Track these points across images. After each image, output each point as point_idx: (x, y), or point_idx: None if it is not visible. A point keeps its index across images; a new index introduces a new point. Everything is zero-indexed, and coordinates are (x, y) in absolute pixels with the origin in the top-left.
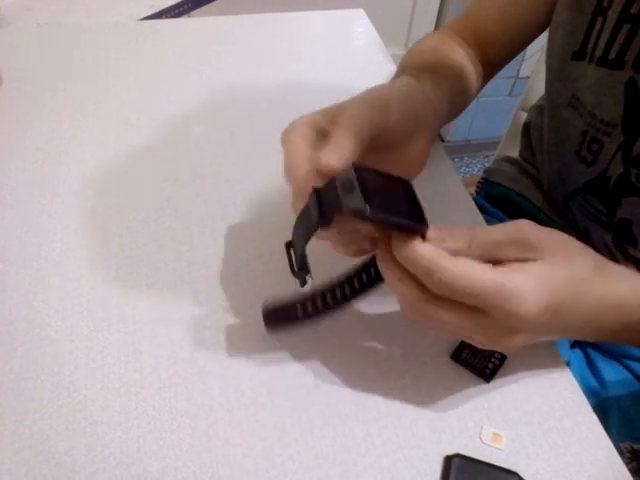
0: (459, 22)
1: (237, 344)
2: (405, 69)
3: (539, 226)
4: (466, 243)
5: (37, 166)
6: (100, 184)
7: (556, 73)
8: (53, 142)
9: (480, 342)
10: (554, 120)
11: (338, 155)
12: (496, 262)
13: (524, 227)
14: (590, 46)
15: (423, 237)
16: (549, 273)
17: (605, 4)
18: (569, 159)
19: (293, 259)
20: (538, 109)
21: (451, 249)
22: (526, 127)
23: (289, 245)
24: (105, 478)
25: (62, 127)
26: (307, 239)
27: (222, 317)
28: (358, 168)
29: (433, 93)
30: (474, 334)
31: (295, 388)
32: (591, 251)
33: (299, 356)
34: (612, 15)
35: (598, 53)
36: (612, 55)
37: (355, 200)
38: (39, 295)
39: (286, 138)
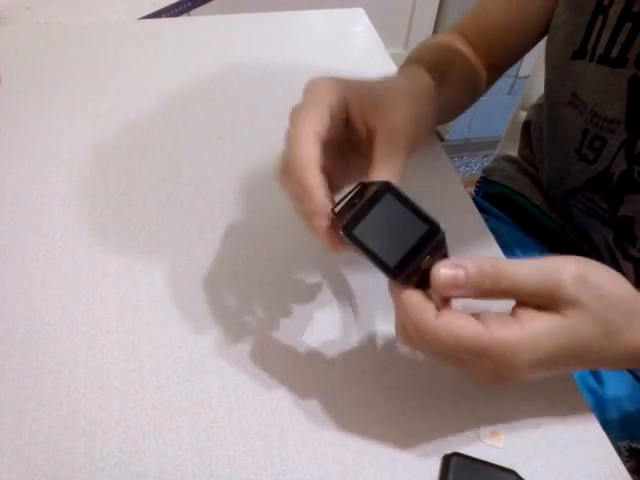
0: (464, 24)
1: (236, 343)
2: (417, 60)
3: (583, 277)
4: (483, 290)
5: (36, 164)
6: (99, 183)
7: (556, 72)
8: (53, 140)
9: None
10: (554, 119)
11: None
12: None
13: (565, 285)
14: (590, 45)
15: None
16: (557, 332)
17: (606, 3)
18: (569, 157)
19: None
20: (538, 108)
21: (461, 294)
22: (526, 126)
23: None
24: (104, 477)
25: (62, 126)
26: None
27: (221, 316)
28: (387, 188)
29: (438, 95)
30: (465, 373)
31: (294, 388)
32: (630, 299)
33: (298, 355)
34: (613, 14)
35: (599, 51)
36: (614, 53)
37: (348, 215)
38: (38, 294)
39: (294, 129)
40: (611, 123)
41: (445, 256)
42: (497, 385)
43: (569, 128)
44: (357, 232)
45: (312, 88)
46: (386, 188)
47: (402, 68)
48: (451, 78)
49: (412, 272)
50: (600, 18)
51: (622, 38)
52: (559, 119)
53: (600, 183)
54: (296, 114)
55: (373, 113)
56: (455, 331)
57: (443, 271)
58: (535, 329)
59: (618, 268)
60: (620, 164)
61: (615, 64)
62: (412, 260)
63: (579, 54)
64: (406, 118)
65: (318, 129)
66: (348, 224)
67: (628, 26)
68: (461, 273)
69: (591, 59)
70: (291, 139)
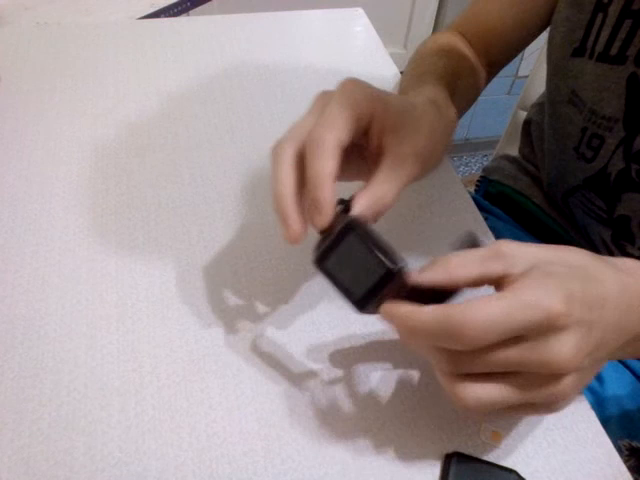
0: (462, 22)
1: (236, 343)
2: (433, 72)
3: (515, 242)
4: (446, 271)
5: (36, 165)
6: (99, 183)
7: (556, 70)
8: (52, 141)
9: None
10: (553, 117)
11: (369, 205)
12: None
13: (501, 242)
14: (590, 42)
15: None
16: (549, 269)
17: (605, 1)
18: (568, 156)
19: None
20: (539, 107)
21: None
22: (527, 124)
23: None
24: (104, 477)
25: (61, 126)
26: None
27: (221, 316)
28: (353, 226)
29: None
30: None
31: (294, 387)
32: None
33: (298, 355)
34: (613, 12)
35: (599, 49)
36: (613, 51)
37: (321, 246)
38: (38, 294)
39: (321, 129)
40: (609, 121)
41: (406, 288)
42: (556, 391)
43: (569, 126)
44: (327, 265)
45: (348, 89)
46: (351, 226)
47: (426, 83)
48: (460, 89)
49: (376, 305)
50: (600, 16)
51: (622, 35)
52: (559, 117)
53: (598, 182)
54: (327, 110)
55: (391, 135)
56: (489, 310)
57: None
58: (537, 276)
59: None
60: (618, 163)
61: (614, 61)
62: (374, 296)
63: (579, 52)
64: (418, 153)
65: (343, 137)
66: (319, 257)
67: (628, 23)
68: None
69: (590, 57)
70: (316, 141)
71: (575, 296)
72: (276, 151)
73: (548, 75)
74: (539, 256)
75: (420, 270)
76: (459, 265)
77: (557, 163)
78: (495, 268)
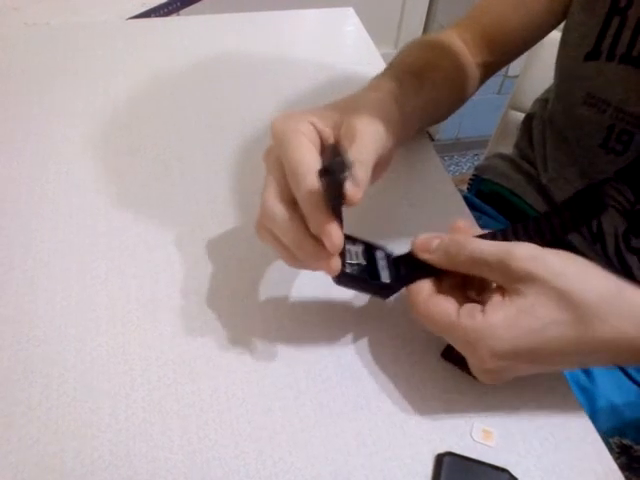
0: (464, 21)
1: (227, 345)
2: (397, 64)
3: (536, 254)
4: (450, 256)
5: (25, 166)
6: (88, 184)
7: (569, 74)
8: (41, 142)
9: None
10: (573, 119)
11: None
12: (480, 280)
13: (516, 258)
14: (606, 45)
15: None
16: (515, 316)
17: (622, 4)
18: (592, 154)
19: None
20: (543, 103)
21: (432, 259)
22: (528, 119)
23: None
24: None
25: (51, 126)
26: None
27: (212, 318)
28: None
29: (413, 100)
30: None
31: (286, 388)
32: (611, 287)
33: (290, 356)
34: (633, 15)
35: (620, 51)
36: (635, 53)
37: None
38: (27, 296)
39: (290, 137)
40: (638, 119)
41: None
42: (486, 379)
43: (589, 126)
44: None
45: (288, 123)
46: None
47: (377, 75)
48: (435, 81)
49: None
50: (616, 19)
51: None
52: (577, 118)
53: (630, 173)
54: (290, 156)
55: (344, 138)
56: (430, 307)
57: (422, 236)
58: (493, 319)
59: (622, 261)
60: None
61: (638, 63)
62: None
63: (592, 55)
64: (373, 133)
65: (313, 161)
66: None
67: None
68: (436, 240)
69: (609, 59)
70: (295, 176)
71: (508, 352)
72: (271, 220)
73: (558, 79)
74: (537, 281)
75: (443, 250)
76: (469, 264)
77: (582, 159)
78: (496, 278)
